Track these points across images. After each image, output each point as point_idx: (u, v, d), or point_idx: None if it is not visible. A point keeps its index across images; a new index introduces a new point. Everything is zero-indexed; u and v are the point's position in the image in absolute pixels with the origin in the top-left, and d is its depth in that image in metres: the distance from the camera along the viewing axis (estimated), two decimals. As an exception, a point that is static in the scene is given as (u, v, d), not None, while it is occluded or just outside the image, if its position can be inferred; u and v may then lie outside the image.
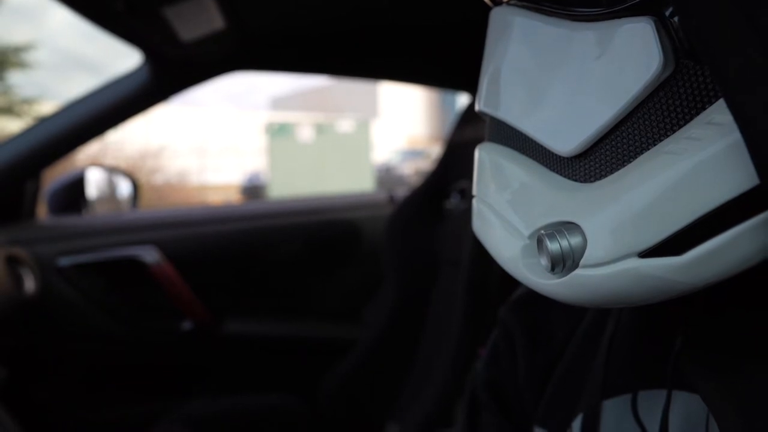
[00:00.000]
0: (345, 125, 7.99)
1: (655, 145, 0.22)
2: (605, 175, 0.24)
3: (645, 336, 0.30)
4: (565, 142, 0.25)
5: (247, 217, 1.36)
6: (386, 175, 10.90)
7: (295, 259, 1.34)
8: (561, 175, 0.26)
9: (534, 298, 0.38)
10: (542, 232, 0.25)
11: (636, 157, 0.23)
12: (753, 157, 0.19)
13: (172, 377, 1.29)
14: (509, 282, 0.31)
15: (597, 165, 0.24)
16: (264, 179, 8.60)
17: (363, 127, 8.08)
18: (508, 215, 0.27)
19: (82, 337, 1.19)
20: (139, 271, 1.20)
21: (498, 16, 0.30)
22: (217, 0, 0.89)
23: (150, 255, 1.21)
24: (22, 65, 8.80)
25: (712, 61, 0.20)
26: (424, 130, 20.08)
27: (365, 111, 17.79)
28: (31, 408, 1.11)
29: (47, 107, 9.17)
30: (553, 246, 0.24)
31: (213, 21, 0.96)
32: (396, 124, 18.80)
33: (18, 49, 8.69)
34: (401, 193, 1.43)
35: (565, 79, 0.25)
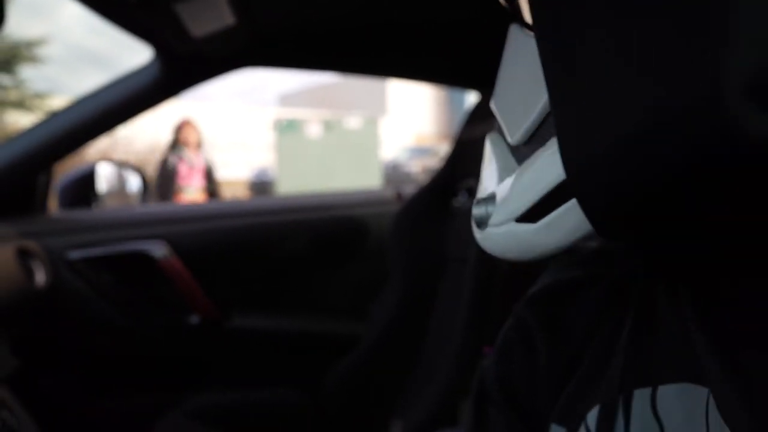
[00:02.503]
0: (353, 122, 7.99)
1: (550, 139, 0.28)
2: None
3: (664, 329, 0.30)
4: (514, 134, 0.32)
5: (254, 213, 1.37)
6: (394, 172, 10.89)
7: (301, 255, 1.35)
8: (514, 158, 0.33)
9: (550, 295, 0.38)
10: (476, 199, 0.34)
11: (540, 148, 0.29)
12: (561, 154, 0.24)
13: (179, 370, 1.31)
14: (515, 280, 0.34)
15: (527, 153, 0.31)
16: (272, 175, 8.62)
17: (371, 124, 8.07)
18: (482, 186, 0.36)
19: (90, 330, 1.21)
20: (147, 265, 1.21)
21: (511, 29, 0.36)
22: (228, -4, 0.89)
23: (158, 249, 1.22)
24: (33, 60, 8.88)
25: (544, 71, 0.24)
26: (432, 128, 20.03)
27: (373, 108, 17.78)
28: (41, 397, 1.13)
29: (58, 102, 9.24)
30: (475, 210, 0.33)
31: (224, 17, 0.96)
32: (404, 122, 18.77)
33: (30, 44, 8.77)
34: (409, 190, 1.44)
35: (527, 84, 0.30)
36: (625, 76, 0.20)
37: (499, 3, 0.35)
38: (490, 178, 0.35)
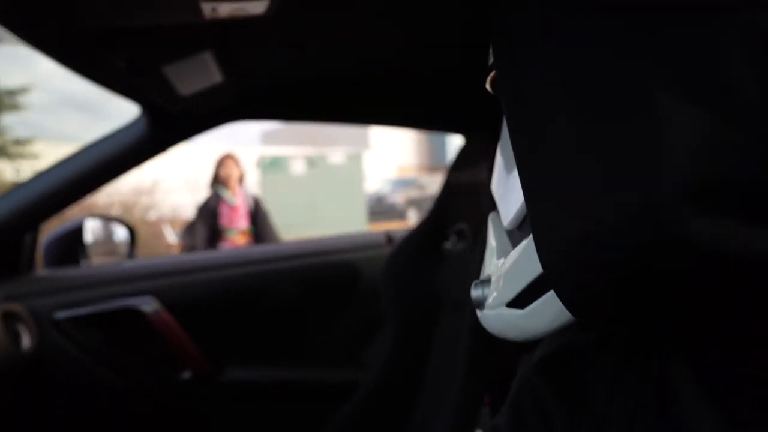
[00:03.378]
0: (336, 157, 8.05)
1: None
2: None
3: (681, 400, 0.30)
4: (507, 219, 0.34)
5: (244, 263, 1.36)
6: (378, 205, 10.92)
7: (293, 303, 1.34)
8: (510, 241, 0.35)
9: (563, 361, 0.37)
10: (475, 282, 0.36)
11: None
12: (536, 247, 0.25)
13: (173, 427, 1.27)
14: None
15: (520, 238, 0.33)
16: (257, 213, 8.58)
17: (354, 159, 8.14)
18: (483, 266, 0.39)
19: (80, 390, 1.17)
20: (136, 321, 1.19)
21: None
22: (216, 56, 0.91)
23: (148, 305, 1.20)
24: (15, 108, 8.86)
25: (517, 167, 0.26)
26: (414, 159, 20.25)
27: (356, 142, 17.96)
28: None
29: (40, 147, 9.17)
30: (473, 292, 0.36)
31: (211, 75, 0.98)
32: (386, 155, 18.95)
33: (12, 93, 8.76)
34: (398, 233, 1.44)
35: (514, 174, 0.33)
36: (580, 182, 0.22)
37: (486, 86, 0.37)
38: (489, 260, 0.37)
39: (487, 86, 0.35)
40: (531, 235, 0.30)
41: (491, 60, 0.35)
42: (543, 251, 0.25)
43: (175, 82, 0.95)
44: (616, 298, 0.23)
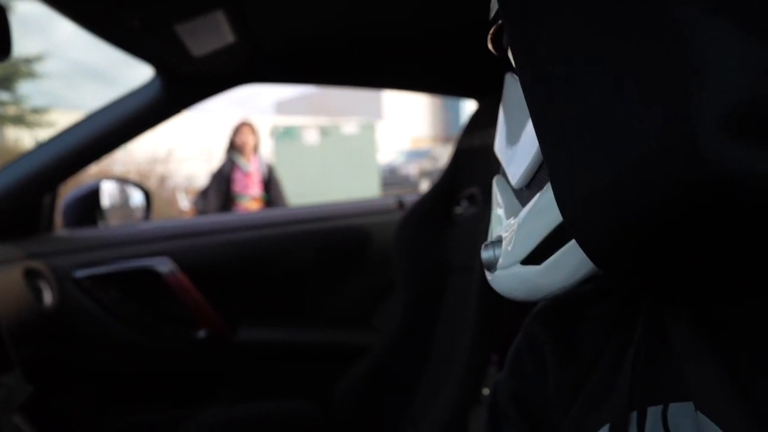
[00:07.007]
0: (350, 128, 8.01)
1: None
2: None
3: (671, 347, 0.30)
4: (515, 178, 0.33)
5: (257, 226, 1.38)
6: (391, 176, 10.90)
7: (306, 266, 1.36)
8: (518, 201, 0.34)
9: (560, 311, 0.38)
10: (485, 243, 0.35)
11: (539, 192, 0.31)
12: (555, 197, 0.24)
13: (188, 385, 1.31)
14: None
15: (529, 197, 0.32)
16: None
17: (368, 130, 8.08)
18: (491, 228, 0.38)
19: (99, 347, 1.22)
20: (153, 281, 1.22)
21: (506, 77, 0.37)
22: (228, 15, 0.90)
23: (164, 265, 1.23)
24: (32, 76, 8.92)
25: (532, 118, 0.25)
26: (428, 131, 20.06)
27: (369, 113, 17.81)
28: (53, 418, 1.13)
29: (57, 116, 9.25)
30: (484, 253, 0.35)
31: (223, 36, 0.97)
32: (400, 125, 18.80)
33: (28, 60, 8.81)
34: (409, 198, 1.45)
35: (523, 129, 0.32)
36: (605, 121, 0.21)
37: (490, 46, 0.36)
38: (497, 221, 0.36)
39: (488, 44, 0.34)
40: (542, 191, 0.30)
41: (492, 13, 0.34)
42: (565, 201, 0.24)
43: (188, 42, 0.95)
44: (648, 245, 0.21)
